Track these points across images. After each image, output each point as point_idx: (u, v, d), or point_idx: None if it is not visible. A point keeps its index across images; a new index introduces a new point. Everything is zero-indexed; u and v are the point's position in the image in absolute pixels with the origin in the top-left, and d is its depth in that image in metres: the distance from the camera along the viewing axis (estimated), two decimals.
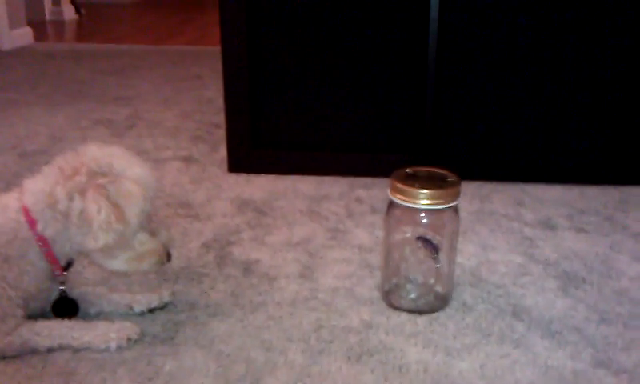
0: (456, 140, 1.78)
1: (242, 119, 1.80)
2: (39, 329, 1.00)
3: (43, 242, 1.00)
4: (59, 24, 5.01)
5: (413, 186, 1.09)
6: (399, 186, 1.09)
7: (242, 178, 1.78)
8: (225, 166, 1.84)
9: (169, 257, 1.08)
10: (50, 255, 1.01)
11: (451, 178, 1.13)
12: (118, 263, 1.04)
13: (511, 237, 1.44)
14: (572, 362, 1.00)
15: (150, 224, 1.06)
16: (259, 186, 1.73)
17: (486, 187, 1.73)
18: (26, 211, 1.00)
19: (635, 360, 1.01)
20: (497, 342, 1.05)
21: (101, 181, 0.97)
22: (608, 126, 1.73)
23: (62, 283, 1.06)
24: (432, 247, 1.12)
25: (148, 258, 1.05)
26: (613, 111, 1.72)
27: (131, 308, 1.11)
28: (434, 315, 1.12)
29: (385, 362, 0.99)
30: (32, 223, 0.99)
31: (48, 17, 5.09)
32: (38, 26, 4.43)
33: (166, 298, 1.14)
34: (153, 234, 1.06)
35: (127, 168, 1.01)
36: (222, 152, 1.93)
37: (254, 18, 1.73)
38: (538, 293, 1.20)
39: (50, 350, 1.00)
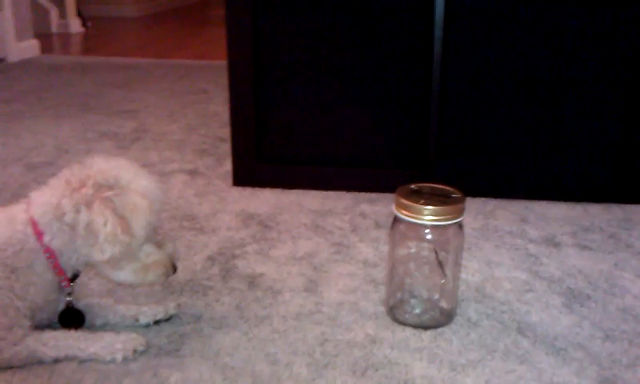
0: (460, 156, 1.79)
1: (247, 133, 1.81)
2: (46, 339, 1.01)
3: (50, 253, 1.01)
4: (66, 36, 5.04)
5: (417, 201, 1.09)
6: (404, 201, 1.10)
7: (246, 192, 1.79)
8: (230, 179, 1.85)
9: (174, 268, 1.09)
10: (56, 266, 1.02)
11: (456, 194, 1.13)
12: (125, 275, 1.05)
13: (515, 253, 1.44)
14: (577, 378, 1.00)
15: (156, 236, 1.07)
16: (264, 199, 1.74)
17: (491, 204, 1.73)
18: (33, 223, 1.00)
19: None
20: (502, 357, 1.05)
21: (107, 193, 0.98)
22: (612, 145, 1.73)
23: (69, 294, 1.07)
24: (440, 263, 1.13)
25: (154, 270, 1.06)
26: (617, 130, 1.72)
27: (137, 320, 1.12)
28: (439, 330, 1.13)
29: (390, 377, 1.00)
30: (39, 235, 1.00)
31: (54, 29, 5.13)
32: (45, 39, 4.46)
33: (172, 310, 1.14)
34: (159, 245, 1.06)
35: (134, 180, 1.02)
36: (227, 166, 1.94)
37: (260, 33, 1.74)
38: (542, 309, 1.21)
39: (57, 361, 1.01)
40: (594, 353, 1.07)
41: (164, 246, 1.07)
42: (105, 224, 0.96)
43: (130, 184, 1.01)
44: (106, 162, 1.03)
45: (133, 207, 0.99)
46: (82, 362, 1.01)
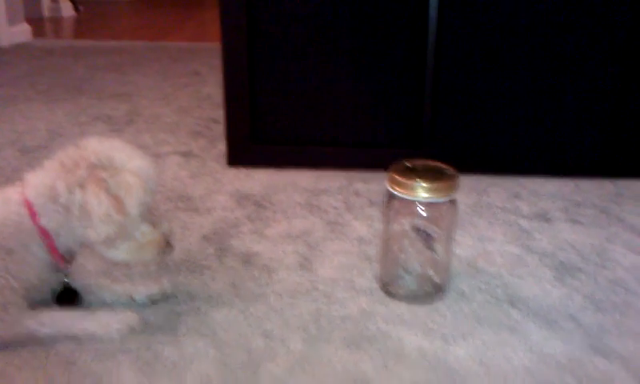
0: (454, 134, 1.79)
1: (241, 114, 1.81)
2: (42, 318, 1.02)
3: (45, 234, 1.01)
4: (57, 20, 5.02)
5: (411, 178, 1.10)
6: (398, 178, 1.11)
7: (241, 173, 1.80)
8: (224, 160, 1.86)
9: (170, 247, 1.09)
10: (52, 247, 1.03)
11: (449, 171, 1.14)
12: (120, 254, 1.05)
13: (508, 229, 1.45)
14: (568, 348, 1.02)
15: (151, 215, 1.07)
16: (258, 180, 1.74)
17: (484, 181, 1.74)
18: (28, 204, 1.01)
19: (630, 347, 1.03)
20: (494, 330, 1.07)
21: (101, 174, 0.98)
22: (603, 121, 1.74)
23: (65, 275, 1.08)
24: (426, 237, 1.14)
25: (149, 249, 1.06)
26: (608, 106, 1.73)
27: (133, 299, 1.13)
28: (432, 304, 1.14)
29: (384, 350, 1.01)
30: (34, 216, 1.01)
31: (46, 13, 5.10)
32: (37, 23, 4.44)
33: (168, 288, 1.15)
34: (154, 225, 1.07)
35: (128, 161, 1.02)
36: (221, 147, 1.95)
37: (254, 14, 1.74)
38: (534, 283, 1.22)
39: (53, 340, 1.01)
40: (585, 324, 1.09)
41: (159, 225, 1.08)
42: (98, 204, 0.97)
43: (124, 164, 1.01)
44: (99, 143, 1.04)
45: (127, 187, 0.99)
46: (79, 340, 1.02)
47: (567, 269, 1.28)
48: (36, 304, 1.05)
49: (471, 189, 1.68)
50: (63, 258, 1.05)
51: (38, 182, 1.02)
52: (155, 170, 1.07)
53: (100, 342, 1.02)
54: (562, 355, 1.00)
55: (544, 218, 1.51)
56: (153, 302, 1.13)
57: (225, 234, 1.41)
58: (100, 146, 1.03)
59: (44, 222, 1.01)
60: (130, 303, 1.12)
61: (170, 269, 1.25)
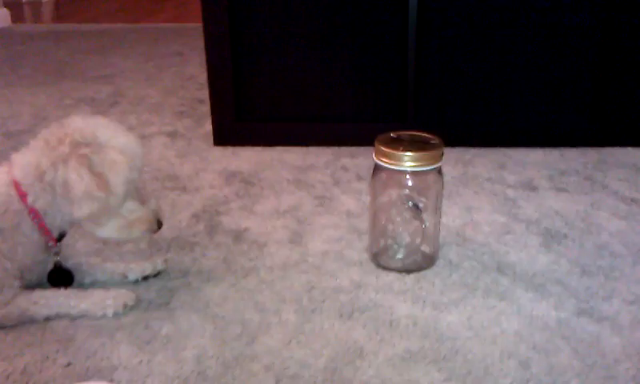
0: (439, 107, 1.80)
1: (226, 93, 1.81)
2: (37, 298, 1.02)
3: (35, 213, 1.01)
4: (36, 5, 4.95)
5: (397, 149, 1.11)
6: (384, 149, 1.12)
7: (228, 151, 1.80)
8: (210, 139, 1.86)
9: (159, 224, 1.09)
10: (42, 226, 1.03)
11: (434, 140, 1.15)
12: (108, 231, 1.05)
13: (494, 198, 1.47)
14: (556, 311, 1.04)
15: (139, 193, 1.07)
16: (245, 157, 1.75)
17: (469, 152, 1.76)
18: (16, 184, 1.00)
19: (616, 308, 1.05)
20: (483, 295, 1.09)
21: (83, 150, 0.97)
22: (586, 90, 1.76)
23: (57, 254, 1.08)
24: (414, 207, 1.15)
25: (138, 226, 1.06)
26: (591, 76, 1.75)
27: (125, 276, 1.13)
28: (422, 273, 1.16)
29: (375, 318, 1.03)
30: (23, 196, 1.00)
31: None
32: (16, 8, 4.38)
33: (160, 265, 1.16)
34: (142, 202, 1.07)
35: (112, 138, 1.01)
36: (207, 126, 1.95)
37: None
38: (521, 249, 1.24)
39: (48, 319, 1.02)
40: (572, 287, 1.11)
41: (147, 202, 1.08)
42: (80, 181, 0.96)
43: (109, 141, 1.00)
44: (84, 121, 1.03)
45: (110, 164, 0.98)
46: (74, 318, 1.03)
47: (553, 235, 1.30)
48: (30, 284, 1.06)
49: (457, 160, 1.70)
50: (54, 237, 1.05)
51: (24, 161, 1.01)
52: (141, 146, 1.06)
53: (95, 320, 1.02)
54: (550, 318, 1.03)
55: (529, 186, 1.53)
56: (145, 278, 1.14)
57: (214, 211, 1.42)
58: (84, 124, 1.02)
59: (32, 200, 1.00)
60: (123, 281, 1.13)
61: (161, 246, 1.26)
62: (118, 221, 1.04)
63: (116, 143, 1.01)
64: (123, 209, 1.04)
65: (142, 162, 1.07)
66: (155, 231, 1.09)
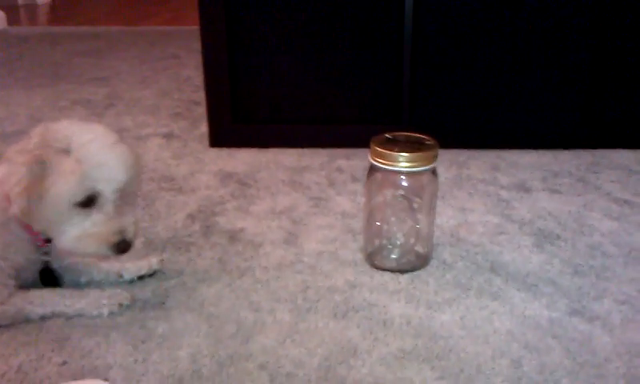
0: (433, 110, 1.81)
1: (222, 94, 1.81)
2: (32, 298, 1.03)
3: None
4: (32, 7, 4.95)
5: (392, 149, 1.12)
6: (379, 150, 1.13)
7: (223, 152, 1.80)
8: (206, 141, 1.87)
9: (122, 247, 0.99)
10: (26, 226, 1.01)
11: (429, 141, 1.16)
12: (65, 239, 0.99)
13: (488, 199, 1.48)
14: (548, 311, 1.05)
15: (119, 207, 1.01)
16: (241, 159, 1.75)
17: (463, 154, 1.77)
18: (2, 183, 0.98)
19: (607, 307, 1.06)
20: (476, 295, 1.10)
21: (40, 151, 0.94)
22: (580, 93, 1.77)
23: (46, 254, 1.07)
24: (409, 206, 1.17)
25: (94, 241, 0.99)
26: (585, 79, 1.76)
27: (121, 276, 1.14)
28: (416, 273, 1.17)
29: (370, 318, 1.03)
30: (7, 195, 0.98)
31: (21, 1, 5.03)
32: (11, 10, 4.38)
33: (155, 265, 1.16)
34: (112, 218, 0.99)
35: (83, 146, 0.96)
36: (203, 128, 1.96)
37: None
38: (514, 249, 1.25)
39: (43, 318, 1.02)
40: (564, 287, 1.12)
41: (120, 218, 1.00)
42: (13, 176, 0.93)
43: (78, 149, 0.96)
44: (70, 125, 0.99)
45: (61, 171, 0.94)
46: (69, 318, 1.03)
47: (546, 236, 1.31)
48: (25, 284, 1.06)
49: (451, 162, 1.71)
50: (40, 238, 1.04)
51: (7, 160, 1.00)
52: (125, 162, 1.00)
53: (90, 319, 1.03)
54: (542, 318, 1.03)
55: (523, 188, 1.54)
56: (140, 278, 1.14)
57: (209, 211, 1.43)
58: (66, 127, 0.98)
59: None
60: (118, 280, 1.13)
61: (157, 246, 1.26)
62: (74, 231, 0.98)
63: (82, 153, 0.96)
64: (87, 221, 0.98)
65: (122, 177, 0.99)
66: (117, 252, 1.00)
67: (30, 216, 0.96)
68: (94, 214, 0.98)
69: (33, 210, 0.95)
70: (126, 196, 1.02)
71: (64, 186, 0.95)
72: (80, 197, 0.96)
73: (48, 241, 1.06)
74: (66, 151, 0.96)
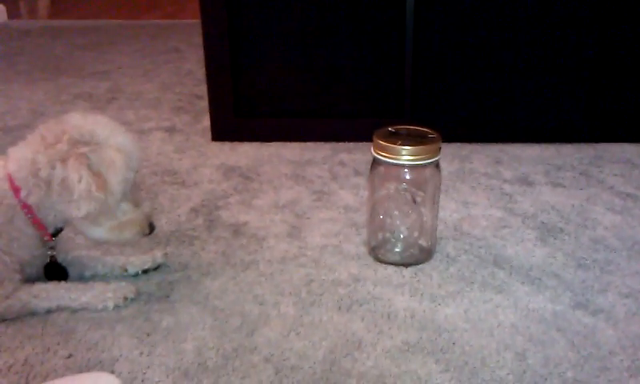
0: (436, 103, 1.81)
1: (224, 88, 1.81)
2: (37, 291, 1.03)
3: (28, 208, 1.00)
4: (32, 1, 4.94)
5: (395, 143, 1.12)
6: (382, 143, 1.13)
7: (226, 146, 1.80)
8: (208, 135, 1.87)
9: (151, 228, 1.08)
10: (36, 221, 1.02)
11: (432, 134, 1.16)
12: (101, 231, 1.04)
13: (491, 193, 1.48)
14: (552, 304, 1.05)
15: (134, 194, 1.06)
16: (244, 153, 1.75)
17: (466, 148, 1.77)
18: (10, 178, 1.00)
19: (611, 301, 1.06)
20: (480, 288, 1.10)
21: (82, 149, 0.97)
22: (583, 87, 1.77)
23: (52, 248, 1.08)
24: (413, 200, 1.17)
25: (129, 228, 1.05)
26: (587, 72, 1.76)
27: (125, 270, 1.14)
28: (419, 267, 1.17)
29: (374, 311, 1.04)
30: (16, 190, 0.99)
31: None
32: (11, 4, 4.37)
33: (160, 259, 1.17)
34: (136, 204, 1.06)
35: (110, 136, 1.00)
36: (205, 122, 1.96)
37: None
38: (517, 243, 1.25)
39: (49, 312, 1.03)
40: (568, 280, 1.12)
41: (141, 204, 1.07)
42: (79, 181, 0.95)
43: (107, 140, 1.00)
44: (82, 118, 1.02)
45: (109, 163, 0.98)
46: (74, 311, 1.03)
47: (549, 229, 1.31)
48: (30, 278, 1.06)
49: (454, 156, 1.71)
50: (48, 232, 1.05)
51: (19, 156, 1.00)
52: (137, 146, 1.05)
53: (95, 313, 1.03)
54: (546, 311, 1.04)
55: (526, 181, 1.55)
56: (145, 272, 1.15)
57: (213, 205, 1.43)
58: (82, 121, 1.01)
59: (25, 195, 0.99)
60: (123, 274, 1.14)
61: (161, 240, 1.27)
62: (111, 222, 1.03)
63: (114, 142, 1.00)
64: (117, 210, 1.03)
65: (139, 162, 1.06)
66: (147, 234, 1.08)
67: (95, 216, 1.00)
68: (122, 203, 1.03)
69: (97, 210, 0.98)
70: (133, 183, 1.06)
71: (118, 178, 0.98)
72: (128, 185, 1.02)
73: (54, 235, 1.07)
74: (100, 144, 0.98)
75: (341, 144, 1.81)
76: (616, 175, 1.58)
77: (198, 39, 1.78)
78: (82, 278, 1.12)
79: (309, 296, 1.08)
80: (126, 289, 1.06)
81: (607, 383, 0.88)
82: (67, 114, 1.03)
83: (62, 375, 0.90)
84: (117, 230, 1.04)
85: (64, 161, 0.96)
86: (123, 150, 1.00)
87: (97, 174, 0.97)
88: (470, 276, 1.14)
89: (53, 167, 0.97)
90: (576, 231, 1.30)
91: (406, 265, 1.17)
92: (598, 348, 0.95)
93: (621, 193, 1.48)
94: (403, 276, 1.14)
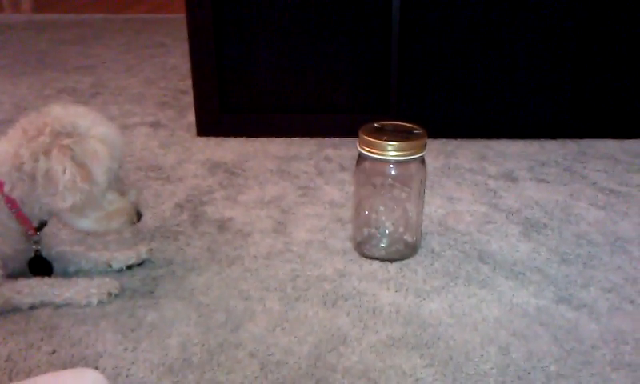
0: (421, 99, 1.82)
1: (209, 83, 1.81)
2: (20, 287, 1.02)
3: (12, 203, 1.00)
4: None
5: (381, 138, 1.12)
6: (368, 139, 1.13)
7: (211, 142, 1.80)
8: (193, 130, 1.86)
9: (139, 216, 1.08)
10: (20, 216, 1.01)
11: (417, 130, 1.17)
12: (88, 222, 1.04)
13: (475, 189, 1.49)
14: (535, 299, 1.06)
15: (119, 184, 1.06)
16: (229, 148, 1.75)
17: (451, 144, 1.78)
18: None
19: (594, 295, 1.07)
20: (464, 283, 1.10)
21: (65, 141, 0.96)
22: (566, 83, 1.78)
23: (36, 243, 1.07)
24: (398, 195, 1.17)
25: (117, 218, 1.05)
26: (571, 69, 1.77)
27: (109, 265, 1.13)
28: (405, 262, 1.17)
29: (359, 306, 1.04)
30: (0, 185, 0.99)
31: None
32: None
33: (144, 254, 1.16)
34: (122, 193, 1.06)
35: (92, 127, 1.00)
36: (190, 117, 1.95)
37: None
38: (501, 238, 1.26)
39: (33, 307, 1.02)
40: (551, 275, 1.13)
41: (127, 193, 1.07)
42: (63, 172, 0.95)
43: (89, 130, 0.99)
44: (63, 110, 1.01)
45: (92, 154, 0.97)
46: (58, 307, 1.03)
47: (533, 224, 1.32)
48: (13, 274, 1.05)
49: (439, 152, 1.71)
50: (33, 226, 1.05)
51: (1, 150, 0.99)
52: (121, 136, 1.05)
53: (79, 308, 1.02)
54: (529, 305, 1.05)
55: (510, 177, 1.55)
56: (129, 267, 1.14)
57: (198, 200, 1.42)
58: (63, 113, 1.00)
59: (9, 189, 0.99)
60: (107, 270, 1.13)
61: (145, 235, 1.26)
62: (97, 212, 1.03)
63: (96, 133, 1.00)
64: (103, 200, 1.02)
65: (123, 152, 1.06)
66: (134, 223, 1.08)
67: (81, 207, 0.99)
68: (108, 193, 1.02)
69: (82, 201, 0.97)
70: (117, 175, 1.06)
71: (102, 169, 0.98)
72: (112, 176, 1.01)
73: (39, 229, 1.06)
74: (83, 135, 0.98)
75: (326, 139, 1.81)
76: (599, 171, 1.59)
77: (184, 34, 1.77)
78: (65, 274, 1.12)
79: (294, 291, 1.08)
80: (110, 284, 1.06)
81: (590, 377, 0.89)
82: (48, 106, 1.02)
83: (46, 371, 0.89)
84: (104, 220, 1.04)
85: (47, 153, 0.96)
86: (106, 141, 1.00)
87: (81, 165, 0.96)
88: (455, 271, 1.14)
89: (36, 160, 0.96)
90: (559, 226, 1.31)
91: (392, 260, 1.17)
92: (581, 342, 0.96)
93: (604, 188, 1.49)
94: (388, 271, 1.14)
